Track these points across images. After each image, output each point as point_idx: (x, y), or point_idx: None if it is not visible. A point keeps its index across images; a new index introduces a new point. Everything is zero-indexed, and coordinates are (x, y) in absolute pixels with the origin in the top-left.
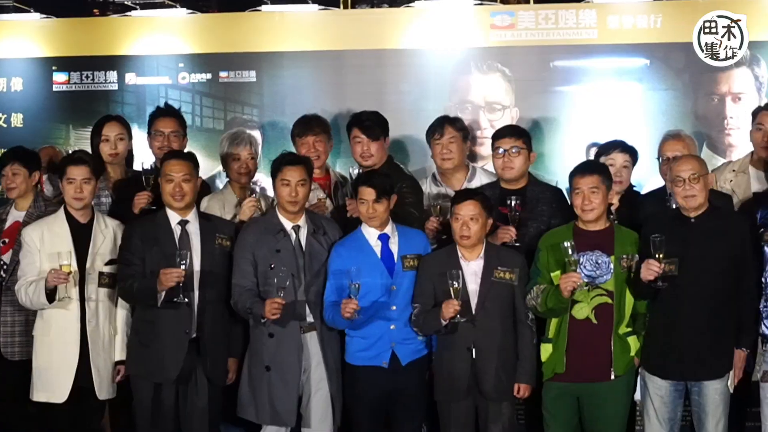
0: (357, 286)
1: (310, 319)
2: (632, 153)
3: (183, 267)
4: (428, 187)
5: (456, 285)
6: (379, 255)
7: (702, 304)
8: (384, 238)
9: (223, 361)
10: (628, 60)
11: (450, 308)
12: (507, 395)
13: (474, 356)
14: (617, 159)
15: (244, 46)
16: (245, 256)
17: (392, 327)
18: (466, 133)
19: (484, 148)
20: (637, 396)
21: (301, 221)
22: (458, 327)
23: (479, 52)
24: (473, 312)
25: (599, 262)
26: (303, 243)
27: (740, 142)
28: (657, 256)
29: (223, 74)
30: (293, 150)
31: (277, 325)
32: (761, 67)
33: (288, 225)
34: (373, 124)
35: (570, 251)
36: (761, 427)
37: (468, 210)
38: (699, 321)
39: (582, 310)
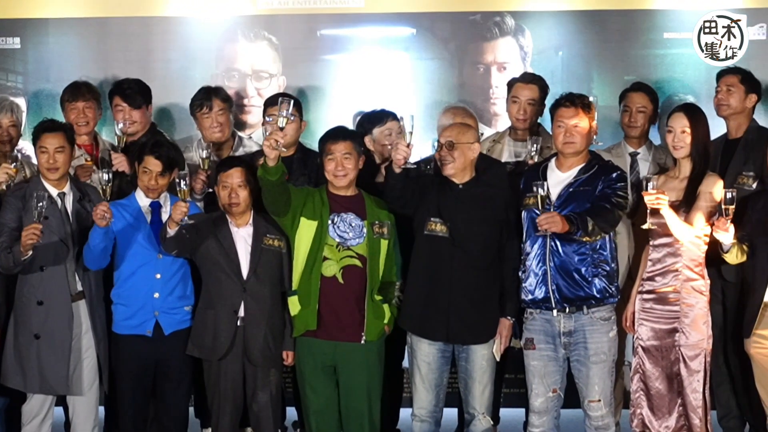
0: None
1: (79, 287)
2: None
3: None
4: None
5: (183, 185)
6: (148, 221)
7: (469, 268)
8: (156, 206)
9: None
10: (395, 29)
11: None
12: (275, 362)
13: (242, 321)
14: (392, 128)
15: (7, 12)
16: (12, 219)
17: (156, 295)
18: (231, 101)
19: (251, 116)
20: (405, 363)
21: (66, 188)
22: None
23: (246, 20)
24: (244, 278)
25: (353, 224)
26: (69, 210)
27: (505, 112)
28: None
29: None
30: (60, 117)
31: (46, 292)
32: (526, 37)
33: (54, 192)
34: (134, 92)
35: None
36: (526, 393)
37: (235, 178)
38: (466, 285)
39: (330, 268)
